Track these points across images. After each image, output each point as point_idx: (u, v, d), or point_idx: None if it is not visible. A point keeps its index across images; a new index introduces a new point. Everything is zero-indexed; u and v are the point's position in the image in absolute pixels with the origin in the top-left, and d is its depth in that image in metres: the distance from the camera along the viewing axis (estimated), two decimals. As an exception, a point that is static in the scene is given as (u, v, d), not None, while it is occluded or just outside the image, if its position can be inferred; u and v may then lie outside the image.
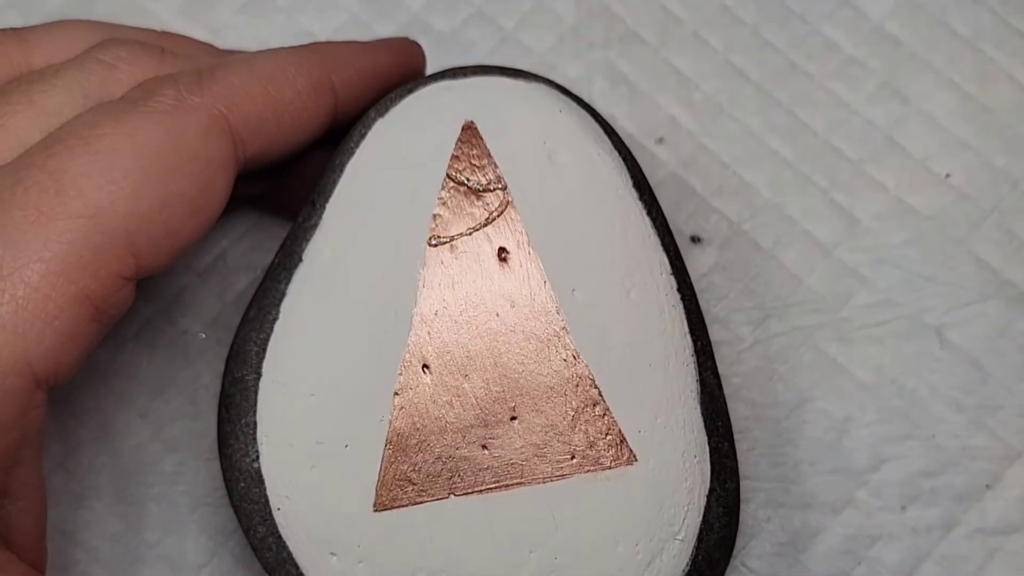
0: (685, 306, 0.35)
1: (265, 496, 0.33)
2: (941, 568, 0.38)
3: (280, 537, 0.33)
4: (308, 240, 0.34)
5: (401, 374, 0.33)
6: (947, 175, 0.42)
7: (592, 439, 0.33)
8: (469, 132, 0.34)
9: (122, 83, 0.32)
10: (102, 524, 0.38)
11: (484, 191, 0.34)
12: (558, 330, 0.33)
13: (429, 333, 0.33)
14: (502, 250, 0.34)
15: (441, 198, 0.34)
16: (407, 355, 0.33)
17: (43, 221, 0.28)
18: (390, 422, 0.33)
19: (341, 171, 0.34)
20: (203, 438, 0.39)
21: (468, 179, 0.34)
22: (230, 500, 0.33)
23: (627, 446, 0.33)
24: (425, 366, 0.33)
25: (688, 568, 0.33)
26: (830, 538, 0.38)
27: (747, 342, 0.40)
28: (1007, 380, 0.40)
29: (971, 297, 0.40)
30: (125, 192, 0.29)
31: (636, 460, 0.33)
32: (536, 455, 0.33)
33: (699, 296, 0.36)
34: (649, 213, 0.35)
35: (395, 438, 0.33)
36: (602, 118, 0.36)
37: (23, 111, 0.31)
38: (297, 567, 0.33)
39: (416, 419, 0.33)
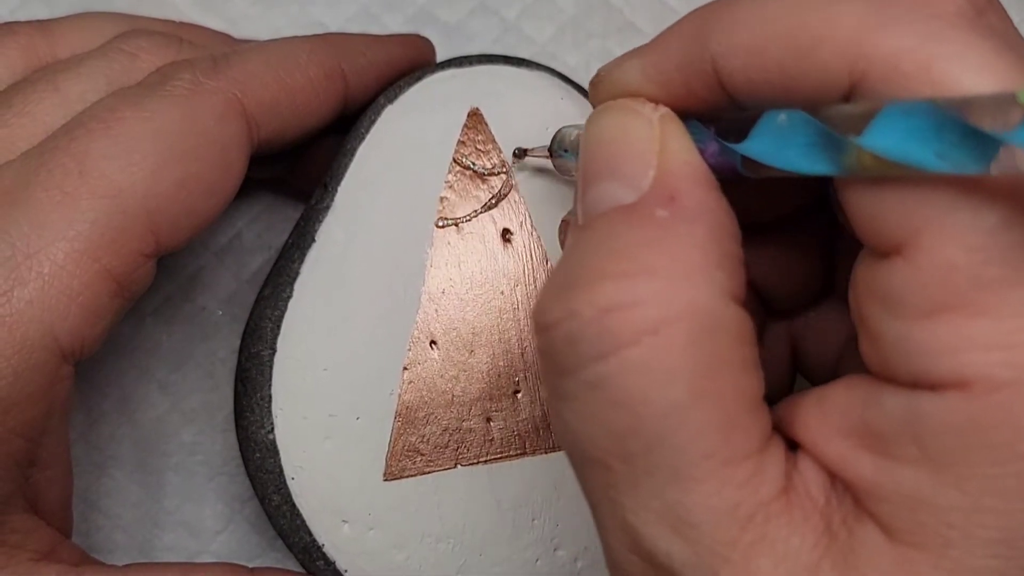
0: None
1: (280, 466, 0.33)
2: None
3: (294, 505, 0.32)
4: (320, 221, 0.34)
5: (410, 350, 0.33)
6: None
7: (592, 412, 0.33)
8: (475, 118, 0.34)
9: (143, 71, 0.32)
10: (123, 492, 0.38)
11: (489, 175, 0.34)
12: (560, 308, 0.33)
13: (437, 310, 0.33)
14: (506, 231, 0.34)
15: (448, 181, 0.34)
16: (415, 331, 0.33)
17: (67, 201, 0.28)
18: (399, 396, 0.32)
19: (352, 155, 0.34)
20: (220, 410, 0.39)
21: (474, 163, 0.34)
22: (246, 470, 0.33)
23: (625, 418, 0.33)
24: (433, 342, 0.33)
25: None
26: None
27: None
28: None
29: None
30: (145, 173, 0.29)
31: (634, 432, 0.33)
32: (538, 427, 0.33)
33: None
34: (646, 196, 0.35)
35: (404, 411, 0.32)
36: (601, 105, 0.36)
37: (48, 98, 0.31)
38: (310, 533, 0.32)
39: (424, 393, 0.33)
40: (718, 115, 0.24)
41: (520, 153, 0.34)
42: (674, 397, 0.21)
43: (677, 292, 0.21)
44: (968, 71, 0.20)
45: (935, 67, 0.20)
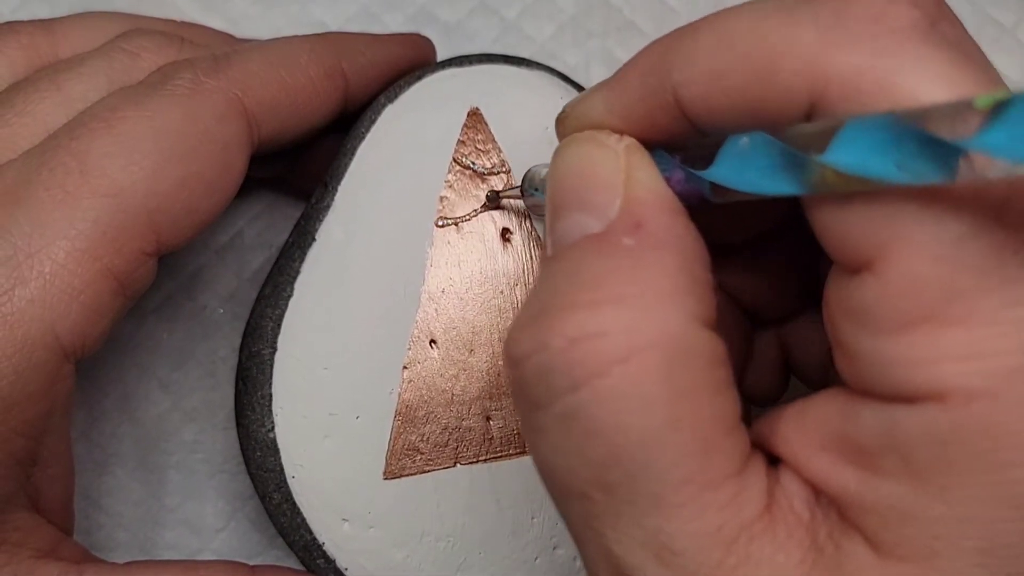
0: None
1: (280, 464, 0.33)
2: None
3: (294, 503, 0.32)
4: (321, 220, 0.34)
5: (410, 349, 0.33)
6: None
7: (591, 410, 0.33)
8: (474, 118, 0.34)
9: (144, 71, 0.32)
10: (125, 490, 0.38)
11: (489, 174, 0.34)
12: (559, 307, 0.33)
13: (436, 310, 0.33)
14: (505, 231, 0.34)
15: (448, 181, 0.34)
16: (415, 331, 0.33)
17: (68, 200, 0.28)
18: (399, 395, 0.32)
19: (352, 154, 0.34)
20: (221, 409, 0.39)
21: (474, 163, 0.34)
22: (247, 468, 0.33)
23: (624, 417, 0.33)
24: (432, 341, 0.33)
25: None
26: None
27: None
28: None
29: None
30: (146, 172, 0.29)
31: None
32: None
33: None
34: (646, 195, 0.35)
35: (404, 410, 0.32)
36: (601, 104, 0.36)
37: (50, 97, 0.31)
38: (310, 532, 0.32)
39: (424, 392, 0.33)
40: (684, 143, 0.25)
41: (493, 196, 0.34)
42: (649, 425, 0.21)
43: (646, 320, 0.21)
44: (923, 83, 0.20)
45: (891, 82, 0.20)
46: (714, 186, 0.23)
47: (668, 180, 0.24)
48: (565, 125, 0.27)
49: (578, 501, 0.22)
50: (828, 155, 0.20)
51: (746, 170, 0.22)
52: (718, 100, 0.23)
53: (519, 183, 0.33)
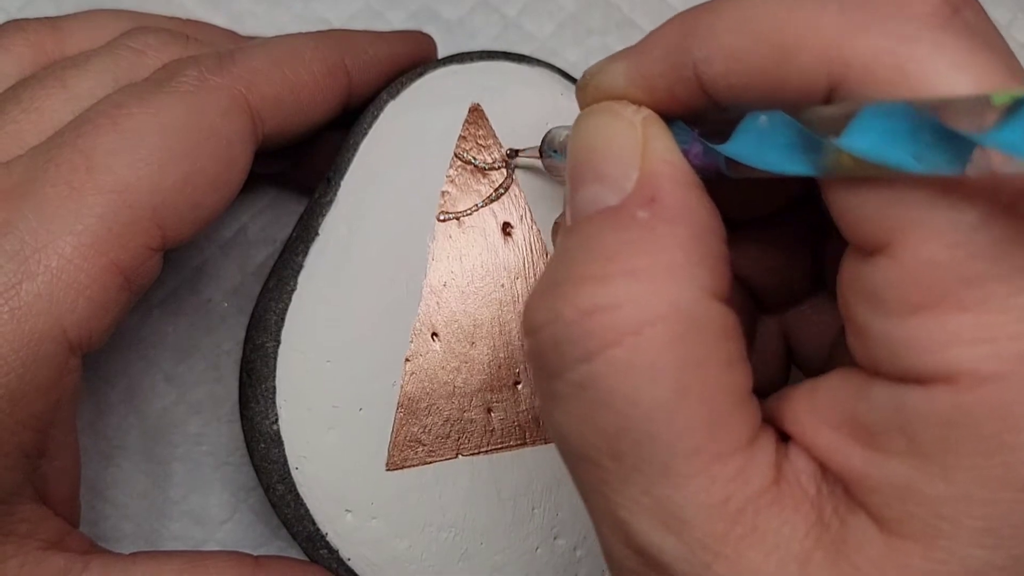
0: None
1: (284, 456, 0.33)
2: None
3: (298, 495, 0.33)
4: (324, 215, 0.34)
5: (412, 342, 0.33)
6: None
7: (591, 403, 0.33)
8: (476, 114, 0.34)
9: (150, 68, 0.32)
10: (130, 482, 0.38)
11: (490, 169, 0.34)
12: (559, 300, 0.33)
13: (438, 303, 0.33)
14: (506, 225, 0.34)
15: (449, 176, 0.34)
16: (417, 324, 0.33)
17: (74, 196, 0.28)
18: (401, 387, 0.33)
19: (355, 150, 0.34)
20: (225, 401, 0.39)
21: (475, 158, 0.34)
22: (251, 460, 0.33)
23: (624, 409, 0.33)
24: (434, 334, 0.33)
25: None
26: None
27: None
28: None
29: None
30: (151, 168, 0.29)
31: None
32: (538, 418, 0.33)
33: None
34: (645, 190, 0.35)
35: (406, 402, 0.32)
36: (600, 100, 0.36)
37: (57, 95, 0.31)
38: (314, 522, 0.33)
39: (426, 384, 0.33)
40: (703, 116, 0.24)
41: (512, 153, 0.34)
42: (659, 395, 0.21)
43: (657, 292, 0.21)
44: (941, 71, 0.20)
45: (909, 69, 0.20)
46: (730, 161, 0.23)
47: (686, 153, 0.24)
48: (585, 94, 0.27)
49: (589, 467, 0.22)
50: (844, 139, 0.20)
51: (763, 148, 0.22)
52: (738, 78, 0.23)
53: (518, 178, 0.33)
